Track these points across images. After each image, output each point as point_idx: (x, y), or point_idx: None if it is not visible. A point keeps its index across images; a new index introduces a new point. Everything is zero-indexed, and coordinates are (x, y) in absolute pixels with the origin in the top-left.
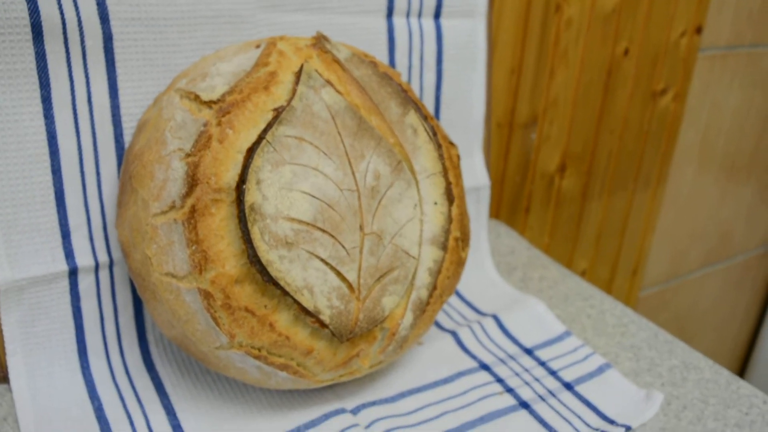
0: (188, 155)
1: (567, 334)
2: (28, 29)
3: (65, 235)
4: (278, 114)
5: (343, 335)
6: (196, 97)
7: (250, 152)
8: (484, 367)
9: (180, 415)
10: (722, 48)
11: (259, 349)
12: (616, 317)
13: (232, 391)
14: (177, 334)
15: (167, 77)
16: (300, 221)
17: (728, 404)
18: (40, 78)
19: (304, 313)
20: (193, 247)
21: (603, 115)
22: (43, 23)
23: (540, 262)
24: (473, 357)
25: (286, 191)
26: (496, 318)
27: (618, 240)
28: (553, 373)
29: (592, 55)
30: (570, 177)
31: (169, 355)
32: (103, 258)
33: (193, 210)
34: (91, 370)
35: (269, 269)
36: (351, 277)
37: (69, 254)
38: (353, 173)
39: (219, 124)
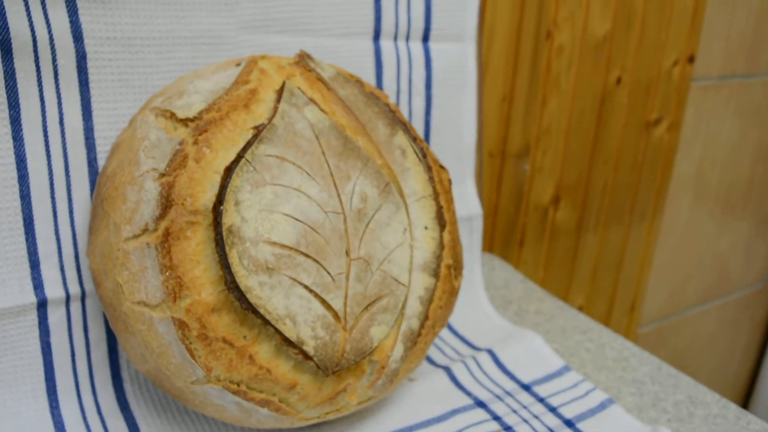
0: (162, 175)
1: (566, 368)
2: None
3: (34, 264)
4: (258, 132)
5: (329, 368)
6: (172, 115)
7: (228, 171)
8: (480, 404)
9: None
10: (715, 78)
11: (238, 384)
12: (617, 351)
13: None
14: (150, 369)
15: (144, 99)
16: (282, 245)
17: None
18: (8, 98)
19: (287, 344)
20: (167, 273)
21: (597, 145)
22: (12, 40)
23: (536, 295)
24: (468, 393)
25: (267, 213)
26: (491, 352)
27: (614, 275)
28: (552, 409)
29: (585, 83)
30: (564, 209)
31: (144, 393)
32: (74, 289)
33: (167, 233)
34: (60, 409)
35: (248, 296)
36: (337, 305)
37: (38, 285)
38: (339, 195)
39: (196, 142)
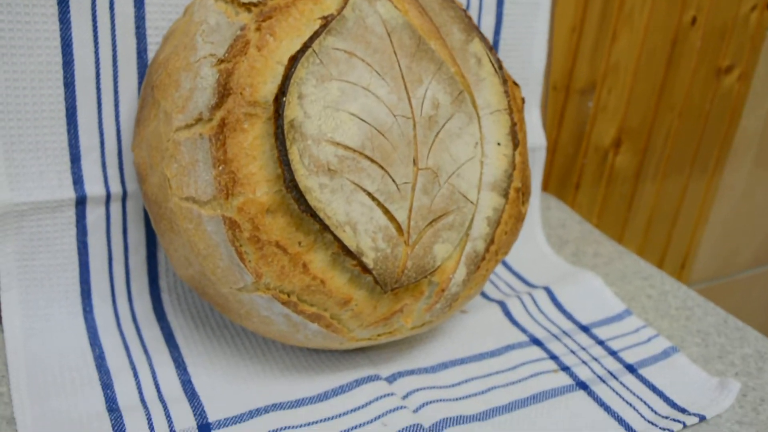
0: (221, 61)
1: (627, 312)
2: None
3: (75, 158)
4: (327, 23)
5: (388, 284)
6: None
7: (293, 61)
8: (536, 341)
9: (191, 369)
10: None
11: (289, 294)
12: (680, 299)
13: (252, 349)
14: (195, 274)
15: None
16: (346, 146)
17: None
18: None
19: (345, 253)
20: (220, 168)
21: (664, 89)
22: None
23: (593, 237)
24: (523, 330)
25: (332, 111)
26: (548, 290)
27: (669, 229)
28: (613, 353)
29: (658, 21)
30: (625, 153)
31: (182, 304)
32: (116, 188)
33: (222, 124)
34: (94, 314)
35: (308, 197)
36: (400, 216)
37: (78, 180)
38: (409, 98)
39: (258, 29)
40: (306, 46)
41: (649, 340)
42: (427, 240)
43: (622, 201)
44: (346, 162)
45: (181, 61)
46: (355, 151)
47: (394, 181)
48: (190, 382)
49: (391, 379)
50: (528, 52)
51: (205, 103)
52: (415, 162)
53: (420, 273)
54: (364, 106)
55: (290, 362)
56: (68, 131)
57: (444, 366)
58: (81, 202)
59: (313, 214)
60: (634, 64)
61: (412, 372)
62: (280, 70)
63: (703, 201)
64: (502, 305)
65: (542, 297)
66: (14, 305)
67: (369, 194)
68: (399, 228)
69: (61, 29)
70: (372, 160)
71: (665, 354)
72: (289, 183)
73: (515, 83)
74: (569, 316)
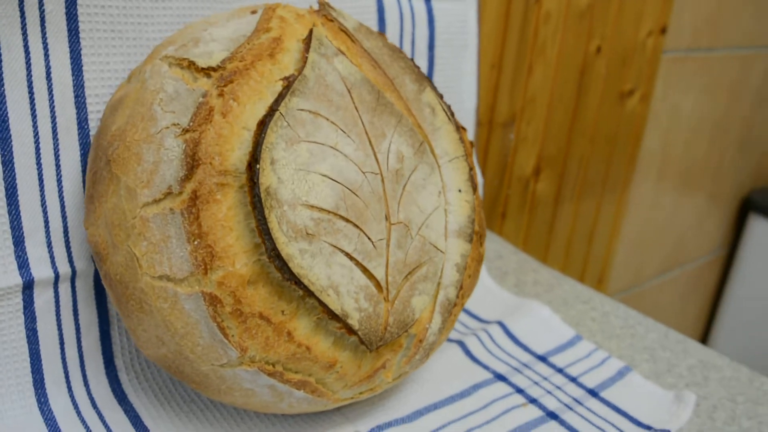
0: (185, 131)
1: (578, 338)
2: None
3: (18, 241)
4: (290, 83)
5: (373, 342)
6: (191, 64)
7: (262, 126)
8: (500, 377)
9: None
10: (683, 51)
11: (274, 365)
12: (622, 319)
13: (224, 420)
14: (167, 353)
15: (137, 53)
16: (321, 209)
17: (757, 401)
18: None
19: (330, 317)
20: (196, 242)
21: (576, 117)
22: None
23: (530, 266)
24: (485, 367)
25: (304, 173)
26: (501, 324)
27: (586, 247)
28: (573, 379)
29: (568, 52)
30: (544, 180)
31: (142, 382)
32: (64, 268)
33: (194, 196)
34: (50, 404)
35: (290, 265)
36: (378, 274)
37: (23, 264)
38: (375, 154)
39: (221, 94)
40: (273, 110)
41: (603, 362)
42: (405, 294)
43: (544, 225)
44: (322, 224)
45: (139, 132)
46: (330, 212)
47: (369, 238)
48: None
49: None
50: (459, 93)
51: (173, 175)
52: (387, 217)
53: (401, 328)
54: (334, 166)
55: (266, 430)
56: (9, 213)
57: (419, 414)
58: (28, 287)
59: (297, 282)
60: (548, 96)
61: (390, 424)
62: (247, 136)
63: (615, 218)
64: (461, 345)
65: (497, 332)
66: None
67: (347, 254)
68: (378, 285)
69: None
70: (347, 220)
71: (620, 374)
72: (271, 252)
73: (463, 128)
74: (526, 348)
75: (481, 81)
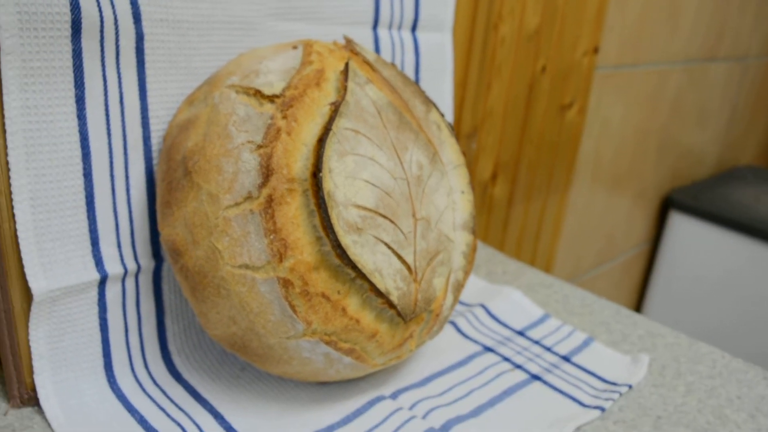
0: (259, 147)
1: (546, 316)
2: (68, 25)
3: (94, 242)
4: (337, 107)
5: (407, 315)
6: (257, 92)
7: (320, 143)
8: (488, 349)
9: (228, 417)
10: (611, 67)
11: (330, 335)
12: (579, 299)
13: (270, 391)
14: (236, 330)
15: (188, 80)
16: (365, 208)
17: (696, 361)
18: (75, 77)
19: (376, 294)
20: (271, 237)
21: (525, 127)
22: (82, 20)
23: (498, 259)
24: (475, 342)
25: (352, 179)
26: (484, 307)
27: (534, 243)
28: (548, 349)
29: (519, 71)
30: (500, 184)
31: (193, 363)
32: (131, 265)
33: (270, 199)
34: (118, 384)
35: (348, 253)
36: (409, 259)
37: (98, 262)
38: (401, 163)
39: (285, 117)
40: (327, 129)
41: (569, 335)
42: (428, 276)
43: (500, 223)
44: (367, 221)
45: (218, 148)
46: (372, 211)
47: (402, 231)
48: (232, 428)
49: (394, 396)
50: (441, 109)
51: (251, 182)
52: (413, 214)
53: (427, 303)
54: (373, 174)
55: (307, 397)
56: (88, 218)
57: (429, 379)
58: (102, 282)
59: (353, 266)
60: (503, 109)
61: (407, 388)
62: (305, 151)
63: (557, 216)
64: (454, 324)
65: (481, 313)
66: (48, 386)
67: (386, 244)
68: (409, 269)
69: (78, 125)
70: (385, 217)
71: (585, 344)
72: (334, 243)
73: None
74: (505, 325)
75: None
